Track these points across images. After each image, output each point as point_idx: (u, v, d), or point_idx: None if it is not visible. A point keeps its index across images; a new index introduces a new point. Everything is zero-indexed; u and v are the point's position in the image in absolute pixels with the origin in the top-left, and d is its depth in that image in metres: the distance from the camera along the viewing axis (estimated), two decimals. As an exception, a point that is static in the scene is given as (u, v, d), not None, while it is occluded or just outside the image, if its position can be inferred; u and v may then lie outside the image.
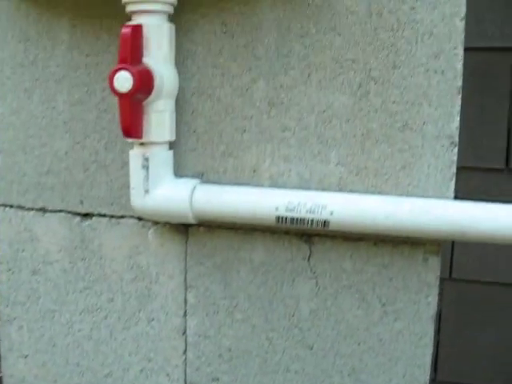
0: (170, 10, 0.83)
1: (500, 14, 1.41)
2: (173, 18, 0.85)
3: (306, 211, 0.80)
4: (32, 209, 1.00)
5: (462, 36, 0.80)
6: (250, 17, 0.85)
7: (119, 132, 0.82)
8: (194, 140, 0.90)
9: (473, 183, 1.47)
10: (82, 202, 0.97)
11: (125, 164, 0.92)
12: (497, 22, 1.41)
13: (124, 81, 0.77)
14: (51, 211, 0.99)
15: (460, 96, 0.81)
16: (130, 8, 0.82)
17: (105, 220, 0.96)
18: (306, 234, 0.87)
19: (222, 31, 0.87)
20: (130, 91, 0.77)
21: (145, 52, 0.81)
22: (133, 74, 0.76)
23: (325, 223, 0.80)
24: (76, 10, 0.92)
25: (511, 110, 1.43)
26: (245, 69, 0.86)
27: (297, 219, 0.81)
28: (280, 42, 0.85)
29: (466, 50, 0.82)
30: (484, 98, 1.43)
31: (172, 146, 0.88)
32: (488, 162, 1.46)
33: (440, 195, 0.82)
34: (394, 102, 0.82)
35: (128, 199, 0.89)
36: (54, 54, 0.95)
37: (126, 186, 0.90)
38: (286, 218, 0.81)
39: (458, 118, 0.81)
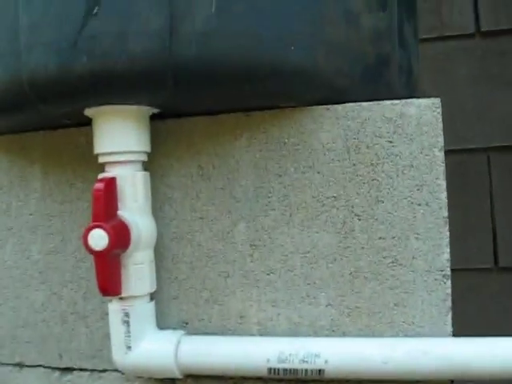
0: (144, 157, 0.82)
1: (471, 116, 1.42)
2: (147, 164, 0.83)
3: (299, 361, 0.76)
4: (8, 364, 0.94)
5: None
6: (226, 158, 0.84)
7: (97, 281, 0.78)
8: (175, 287, 0.86)
9: (463, 284, 1.44)
10: (60, 356, 0.91)
11: (105, 314, 0.87)
12: (469, 124, 1.42)
13: (99, 239, 0.73)
14: (28, 366, 0.93)
15: (447, 227, 0.79)
16: (102, 159, 0.80)
17: (86, 374, 0.90)
18: (300, 381, 0.82)
19: (198, 174, 0.85)
20: (105, 249, 0.74)
21: (120, 204, 0.78)
22: (108, 232, 0.73)
23: (319, 372, 0.76)
24: (48, 157, 0.91)
25: (493, 208, 1.42)
26: (224, 212, 0.84)
27: (290, 370, 0.76)
28: (258, 182, 0.83)
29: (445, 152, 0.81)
30: (466, 198, 1.43)
31: (153, 295, 0.84)
32: (477, 263, 1.43)
33: (437, 331, 0.78)
34: (380, 237, 0.79)
35: (110, 351, 0.84)
36: (27, 202, 0.92)
37: (108, 336, 0.84)
38: (278, 370, 0.76)
39: (448, 250, 0.79)
